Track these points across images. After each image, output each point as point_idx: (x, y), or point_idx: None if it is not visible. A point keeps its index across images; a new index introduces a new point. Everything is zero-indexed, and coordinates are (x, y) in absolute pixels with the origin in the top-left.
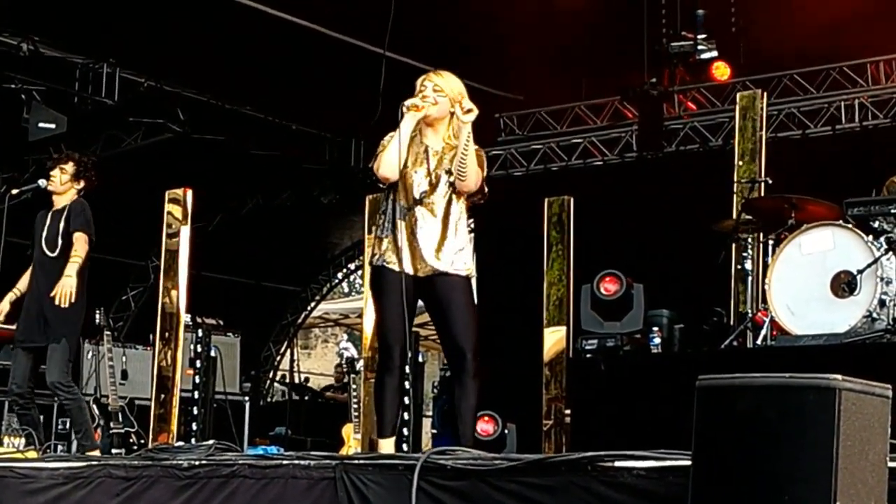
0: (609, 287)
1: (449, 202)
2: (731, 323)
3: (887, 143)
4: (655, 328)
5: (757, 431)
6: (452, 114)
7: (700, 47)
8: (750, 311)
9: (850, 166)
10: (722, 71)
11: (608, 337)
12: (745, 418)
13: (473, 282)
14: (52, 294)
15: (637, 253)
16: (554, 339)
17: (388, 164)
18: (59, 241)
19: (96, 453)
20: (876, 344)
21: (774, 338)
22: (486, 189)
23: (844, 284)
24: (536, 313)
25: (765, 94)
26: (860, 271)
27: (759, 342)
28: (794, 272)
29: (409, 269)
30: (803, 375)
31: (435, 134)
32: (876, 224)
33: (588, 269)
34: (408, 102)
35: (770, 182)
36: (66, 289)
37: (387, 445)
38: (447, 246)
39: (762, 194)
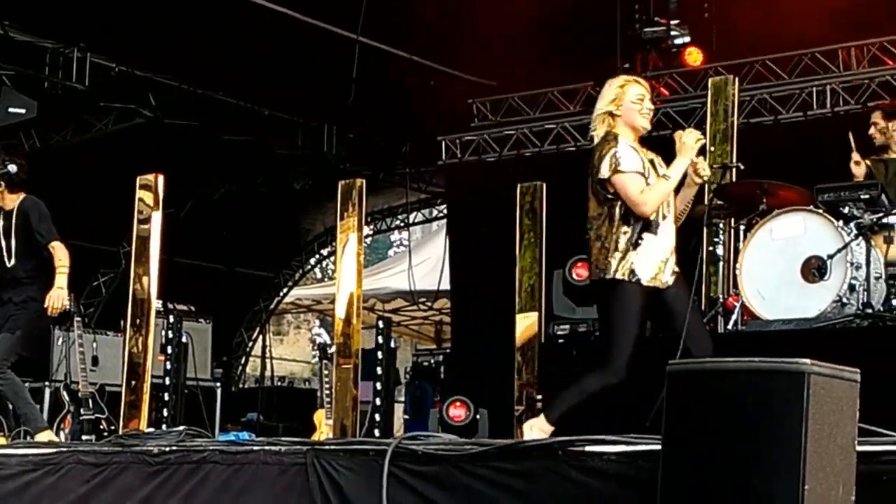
0: (581, 272)
1: (671, 210)
2: (703, 308)
3: (858, 129)
4: None
5: (727, 416)
6: None
7: (673, 33)
8: (721, 296)
9: (821, 152)
10: (694, 57)
11: (580, 322)
12: (715, 403)
13: None
14: (45, 305)
15: None
16: (526, 324)
17: (659, 203)
18: (20, 248)
19: (47, 433)
20: (846, 328)
21: (745, 323)
22: None
23: (815, 269)
24: (508, 299)
25: (737, 79)
26: (830, 256)
27: (729, 327)
28: (765, 257)
29: (653, 283)
30: (773, 360)
31: (635, 142)
32: (846, 209)
33: (560, 254)
34: (702, 167)
35: (742, 167)
36: (58, 301)
37: (538, 423)
38: (674, 257)
39: (734, 180)
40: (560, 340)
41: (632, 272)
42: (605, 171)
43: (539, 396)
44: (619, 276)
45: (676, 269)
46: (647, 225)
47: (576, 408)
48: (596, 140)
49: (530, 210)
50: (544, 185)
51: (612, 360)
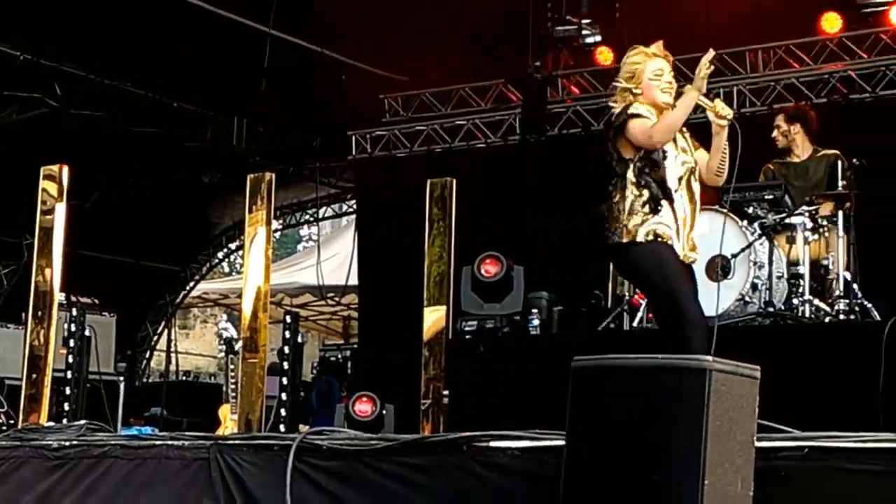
0: (490, 269)
1: (693, 186)
2: (609, 306)
3: (764, 131)
4: (535, 310)
5: (629, 411)
6: None
7: (584, 32)
8: (627, 294)
9: None
10: (605, 56)
11: (488, 318)
12: (619, 398)
13: None
14: None
15: (518, 235)
16: (433, 318)
17: (672, 131)
18: None
19: None
20: (748, 326)
21: (650, 320)
22: None
23: (719, 268)
24: (416, 295)
25: None
26: (734, 256)
27: (635, 324)
28: None
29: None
30: (675, 357)
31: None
32: (750, 209)
33: (469, 250)
34: (721, 107)
35: None
36: None
37: None
38: (692, 232)
39: None
40: (468, 336)
41: (655, 234)
42: (620, 122)
43: (446, 392)
44: (639, 238)
45: (693, 256)
46: (664, 190)
47: None
48: (615, 112)
49: (440, 199)
50: (454, 181)
51: (683, 311)
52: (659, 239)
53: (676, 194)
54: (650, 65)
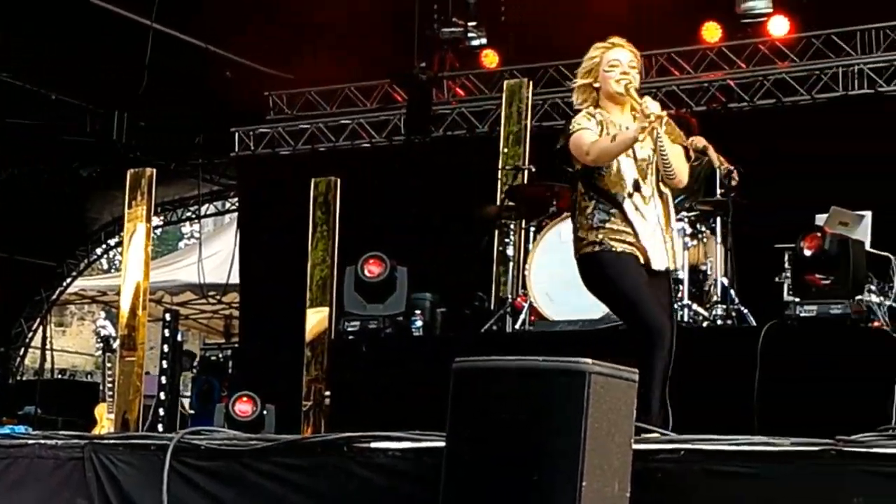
0: (373, 269)
1: (659, 187)
2: (493, 307)
3: None
4: (418, 311)
5: (509, 413)
6: None
7: (470, 34)
8: (510, 296)
9: None
10: (491, 59)
11: (371, 319)
12: (499, 400)
13: None
14: None
15: (402, 236)
16: (316, 319)
17: (608, 158)
18: None
19: None
20: (627, 329)
21: (533, 323)
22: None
23: None
24: (299, 294)
25: (531, 83)
26: None
27: (517, 327)
28: (553, 259)
29: (633, 253)
30: (555, 359)
31: (622, 113)
32: None
33: (353, 250)
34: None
35: (533, 170)
36: None
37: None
38: (666, 240)
39: (525, 181)
40: (350, 337)
41: (606, 246)
42: (562, 141)
43: (328, 393)
44: (595, 249)
45: (670, 265)
46: (610, 199)
47: (665, 393)
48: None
49: (324, 203)
50: (339, 181)
51: (647, 324)
52: (611, 250)
53: (631, 200)
54: (606, 56)
